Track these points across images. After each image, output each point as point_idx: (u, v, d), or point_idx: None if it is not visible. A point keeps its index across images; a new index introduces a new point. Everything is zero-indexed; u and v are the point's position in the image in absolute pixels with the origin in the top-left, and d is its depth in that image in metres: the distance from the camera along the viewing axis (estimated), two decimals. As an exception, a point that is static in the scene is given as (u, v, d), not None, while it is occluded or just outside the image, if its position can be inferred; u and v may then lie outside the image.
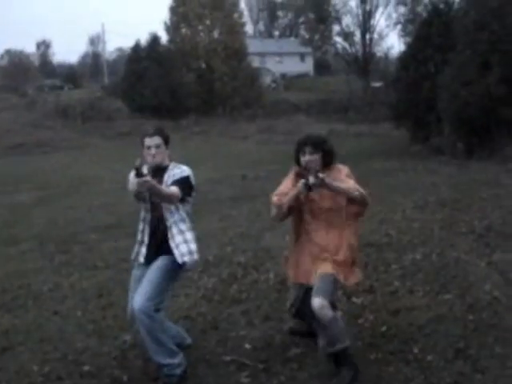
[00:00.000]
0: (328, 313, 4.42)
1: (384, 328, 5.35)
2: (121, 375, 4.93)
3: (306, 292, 4.68)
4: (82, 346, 5.57)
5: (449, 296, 5.99)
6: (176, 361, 4.71)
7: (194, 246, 4.87)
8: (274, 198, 4.74)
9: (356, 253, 4.82)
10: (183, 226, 4.85)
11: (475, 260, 7.13)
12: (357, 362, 4.72)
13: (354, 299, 6.13)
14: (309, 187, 4.41)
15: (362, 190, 4.57)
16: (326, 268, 4.57)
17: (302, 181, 4.45)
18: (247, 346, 5.28)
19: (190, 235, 4.87)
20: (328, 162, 4.71)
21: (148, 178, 4.34)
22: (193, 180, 4.86)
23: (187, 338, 5.25)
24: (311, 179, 4.35)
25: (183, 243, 4.79)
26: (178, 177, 4.77)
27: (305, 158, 4.66)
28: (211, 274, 7.49)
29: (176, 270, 4.82)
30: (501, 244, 7.82)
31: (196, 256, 4.88)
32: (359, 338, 5.22)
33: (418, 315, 5.58)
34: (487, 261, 7.07)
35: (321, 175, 4.36)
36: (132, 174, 4.63)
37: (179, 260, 4.74)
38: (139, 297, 4.59)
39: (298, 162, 4.74)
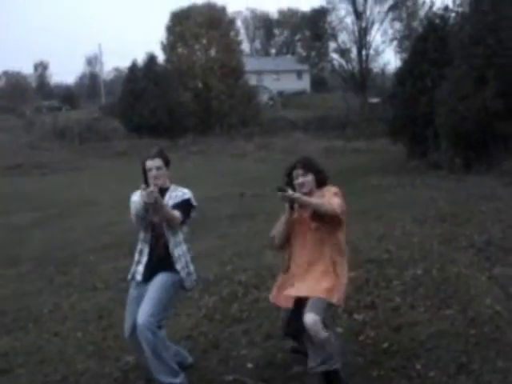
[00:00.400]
0: (321, 329, 4.36)
1: (386, 344, 5.34)
2: (122, 396, 4.91)
3: (291, 313, 4.66)
4: (82, 367, 5.55)
5: (450, 311, 5.98)
6: (177, 381, 4.71)
7: (192, 267, 5.03)
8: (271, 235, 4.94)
9: (339, 270, 4.66)
10: (185, 247, 4.98)
11: (476, 274, 7.11)
12: (359, 379, 4.71)
13: (356, 316, 6.11)
14: (290, 201, 4.47)
15: (328, 207, 4.44)
16: (315, 290, 4.50)
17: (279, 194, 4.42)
18: (249, 365, 5.26)
19: (189, 257, 5.00)
20: (322, 181, 4.76)
21: (155, 189, 4.49)
22: (194, 201, 4.96)
23: (188, 358, 5.25)
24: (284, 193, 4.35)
25: (186, 266, 4.95)
26: (179, 200, 4.88)
27: (298, 181, 4.69)
28: (212, 292, 7.48)
29: (176, 285, 4.89)
30: (501, 258, 7.81)
31: (195, 276, 5.07)
32: (361, 355, 5.20)
33: (419, 331, 5.57)
34: (488, 275, 7.06)
35: (290, 191, 4.36)
36: (134, 197, 4.75)
37: (187, 285, 4.98)
38: (142, 313, 4.63)
39: (290, 184, 4.71)
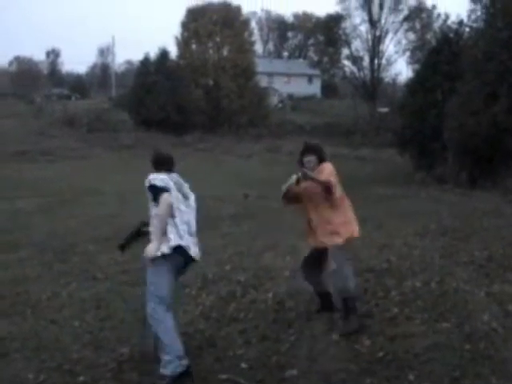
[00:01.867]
0: (340, 257, 6.02)
1: (381, 354, 5.35)
2: (116, 387, 4.93)
3: (312, 255, 6.31)
4: (77, 356, 5.57)
5: (447, 324, 5.98)
6: (168, 357, 4.91)
7: (172, 236, 5.20)
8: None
9: (335, 224, 6.06)
10: (155, 221, 5.24)
11: (474, 290, 7.11)
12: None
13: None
14: (298, 179, 6.06)
15: (327, 180, 5.91)
16: (329, 239, 6.04)
17: (294, 176, 6.10)
18: (243, 365, 5.27)
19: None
20: (321, 160, 6.25)
21: None
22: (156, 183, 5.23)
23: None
24: (300, 174, 5.97)
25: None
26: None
27: (306, 159, 6.23)
28: (210, 291, 7.50)
29: (157, 260, 5.09)
30: (500, 275, 7.81)
31: (171, 243, 5.20)
32: (356, 363, 5.21)
33: (415, 342, 5.58)
34: (486, 291, 7.06)
35: (304, 171, 5.93)
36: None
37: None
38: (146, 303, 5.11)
39: (301, 162, 6.24)
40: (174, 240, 5.12)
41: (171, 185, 5.27)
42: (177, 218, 5.22)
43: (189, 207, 5.45)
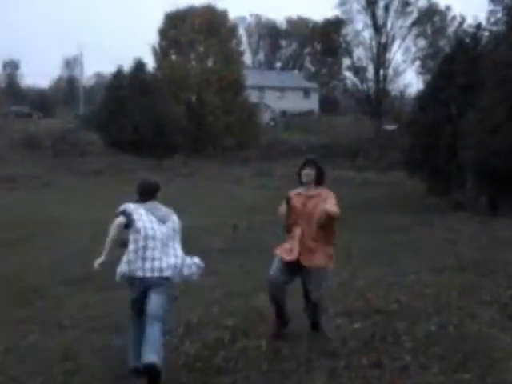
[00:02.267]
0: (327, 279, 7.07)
1: (392, 409, 5.31)
2: None
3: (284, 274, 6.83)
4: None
5: (467, 375, 5.93)
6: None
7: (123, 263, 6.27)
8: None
9: (331, 249, 6.95)
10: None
11: (499, 334, 7.09)
12: None
13: (359, 374, 6.07)
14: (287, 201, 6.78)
15: (330, 210, 6.56)
16: (316, 259, 6.80)
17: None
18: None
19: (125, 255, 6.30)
20: (320, 178, 7.01)
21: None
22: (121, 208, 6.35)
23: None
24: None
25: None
26: None
27: (304, 172, 6.93)
28: (194, 338, 7.42)
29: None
30: (528, 316, 7.79)
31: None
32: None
33: (431, 396, 5.54)
34: (512, 335, 7.04)
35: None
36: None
37: None
38: None
39: (299, 175, 6.97)
40: (121, 267, 6.19)
41: (141, 211, 6.31)
42: (132, 246, 6.19)
43: (164, 229, 6.34)
